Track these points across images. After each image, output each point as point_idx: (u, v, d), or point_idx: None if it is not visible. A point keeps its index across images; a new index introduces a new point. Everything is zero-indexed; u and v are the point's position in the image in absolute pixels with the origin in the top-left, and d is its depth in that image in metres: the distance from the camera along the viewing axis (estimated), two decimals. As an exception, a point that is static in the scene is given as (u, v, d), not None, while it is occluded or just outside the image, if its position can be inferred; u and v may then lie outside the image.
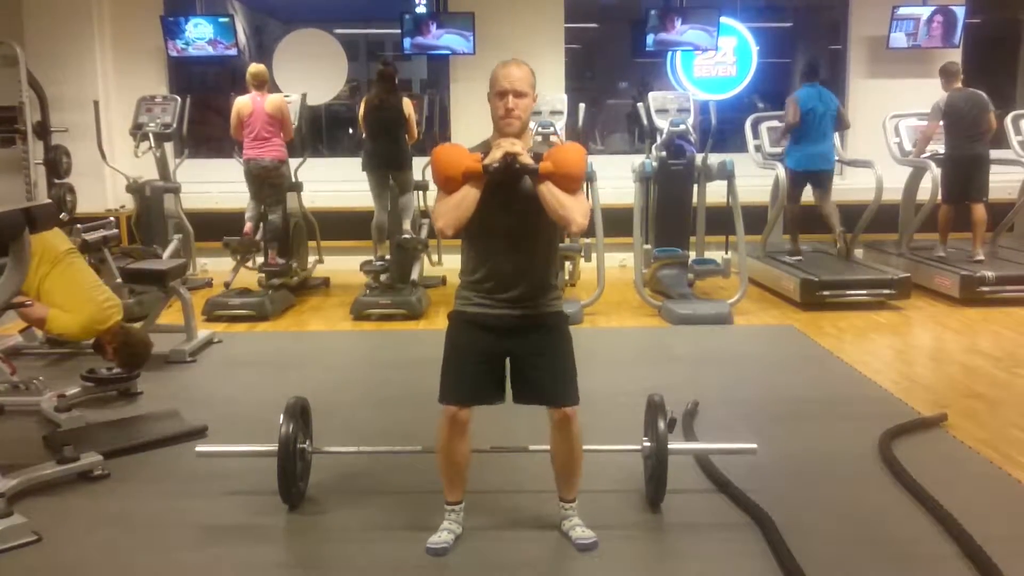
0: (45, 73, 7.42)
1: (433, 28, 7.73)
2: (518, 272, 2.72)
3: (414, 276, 6.55)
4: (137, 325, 5.27)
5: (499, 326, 2.73)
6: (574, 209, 2.65)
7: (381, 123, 6.44)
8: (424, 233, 6.90)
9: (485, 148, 2.73)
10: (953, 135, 6.90)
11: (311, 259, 7.47)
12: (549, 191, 2.64)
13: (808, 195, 7.11)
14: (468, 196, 2.64)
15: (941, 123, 6.87)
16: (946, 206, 7.03)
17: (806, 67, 7.19)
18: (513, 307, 2.73)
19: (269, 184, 6.69)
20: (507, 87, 2.70)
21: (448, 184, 2.68)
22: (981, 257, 6.84)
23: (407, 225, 6.57)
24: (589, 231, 6.38)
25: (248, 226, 6.70)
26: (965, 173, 6.86)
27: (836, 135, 7.23)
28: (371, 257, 6.71)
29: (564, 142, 2.78)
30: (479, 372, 2.73)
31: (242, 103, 6.58)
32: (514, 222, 2.71)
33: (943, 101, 6.85)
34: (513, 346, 2.74)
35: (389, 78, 6.51)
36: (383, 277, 6.59)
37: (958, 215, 7.00)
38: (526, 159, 2.64)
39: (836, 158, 7.18)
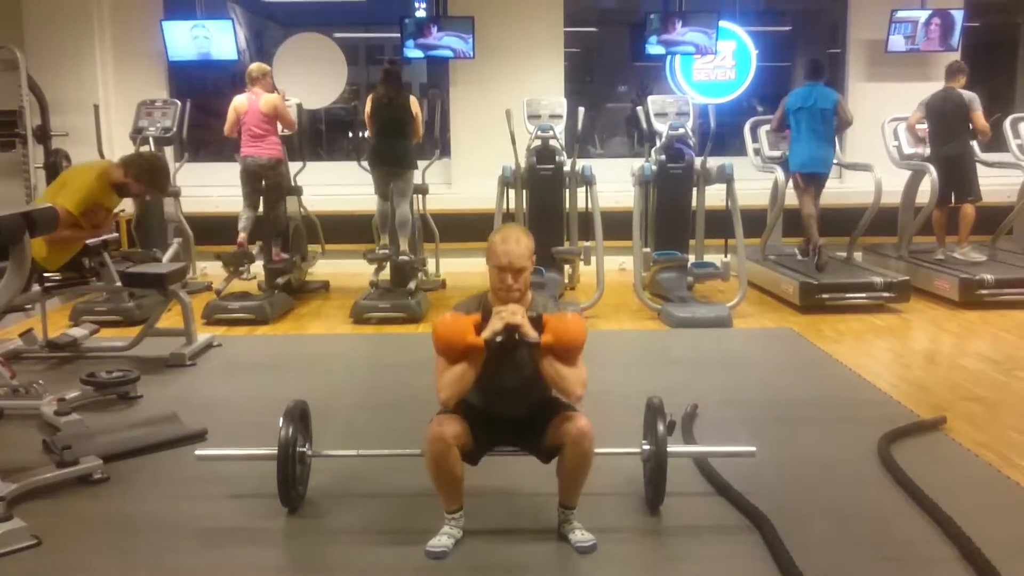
0: (45, 77, 7.43)
1: (435, 31, 7.75)
2: (515, 406, 2.86)
3: (411, 286, 6.55)
4: (137, 329, 5.30)
5: (500, 418, 2.87)
6: (574, 382, 2.70)
7: (388, 120, 6.45)
8: (420, 251, 6.91)
9: (483, 306, 2.77)
10: (931, 135, 7.03)
11: (312, 259, 7.49)
12: (550, 365, 2.68)
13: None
14: (469, 372, 2.69)
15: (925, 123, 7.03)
16: (935, 209, 7.07)
17: (808, 65, 7.18)
18: (511, 423, 2.89)
19: (267, 183, 6.69)
20: (506, 264, 2.68)
21: (449, 355, 2.71)
22: (968, 254, 6.92)
23: (405, 245, 6.57)
24: (589, 234, 6.43)
25: (242, 236, 6.67)
26: (944, 174, 6.89)
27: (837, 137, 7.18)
28: (375, 248, 6.71)
29: (566, 311, 2.80)
30: (474, 426, 2.78)
31: (238, 101, 6.60)
32: (512, 377, 2.78)
33: (926, 100, 6.97)
34: (513, 433, 2.88)
35: (396, 76, 6.52)
36: (386, 266, 6.59)
37: (951, 216, 7.03)
38: (527, 330, 2.66)
39: (835, 161, 7.17)
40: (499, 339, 2.65)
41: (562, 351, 2.68)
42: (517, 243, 2.70)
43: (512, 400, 2.85)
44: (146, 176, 4.63)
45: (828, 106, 6.87)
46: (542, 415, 2.83)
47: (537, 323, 2.68)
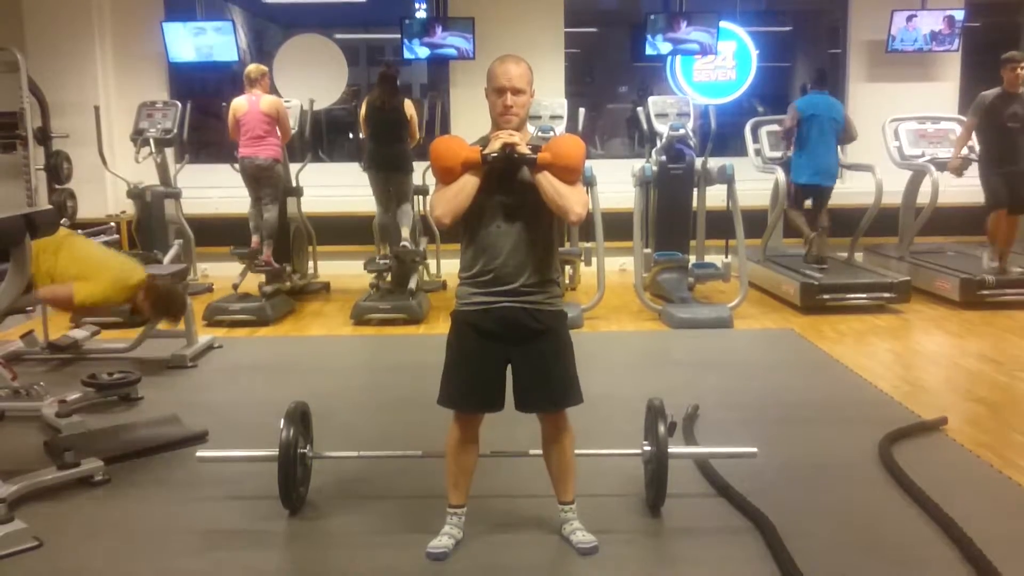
0: (46, 79, 7.42)
1: (439, 31, 7.75)
2: (517, 264, 2.71)
3: (411, 286, 6.54)
4: (137, 331, 5.30)
5: (499, 331, 2.72)
6: (572, 199, 2.66)
7: (383, 124, 6.45)
8: (423, 245, 6.91)
9: (484, 142, 2.74)
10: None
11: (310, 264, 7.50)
12: (548, 181, 2.65)
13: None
14: (466, 186, 2.65)
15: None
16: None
17: (815, 74, 7.17)
18: (513, 300, 2.71)
19: (265, 183, 6.69)
20: (505, 84, 2.70)
21: (446, 175, 2.69)
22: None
23: (406, 233, 6.57)
24: (589, 235, 6.43)
25: (255, 239, 6.66)
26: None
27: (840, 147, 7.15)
28: (375, 258, 6.71)
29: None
30: (481, 380, 2.75)
31: (237, 102, 6.58)
32: (513, 213, 2.71)
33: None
34: (514, 353, 2.75)
35: (391, 79, 6.52)
36: (387, 276, 6.59)
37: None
38: (524, 149, 2.66)
39: (840, 167, 7.15)
40: (495, 154, 2.64)
41: (560, 169, 2.67)
42: (516, 64, 2.74)
43: (513, 258, 2.69)
44: (161, 307, 4.39)
45: (838, 117, 6.87)
46: (547, 356, 2.74)
47: (536, 152, 2.68)
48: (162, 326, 4.94)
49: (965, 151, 6.76)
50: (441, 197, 2.69)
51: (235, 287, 6.60)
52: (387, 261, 6.57)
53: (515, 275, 2.70)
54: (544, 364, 2.75)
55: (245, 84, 6.61)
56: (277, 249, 6.76)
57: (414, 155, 6.70)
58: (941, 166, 6.95)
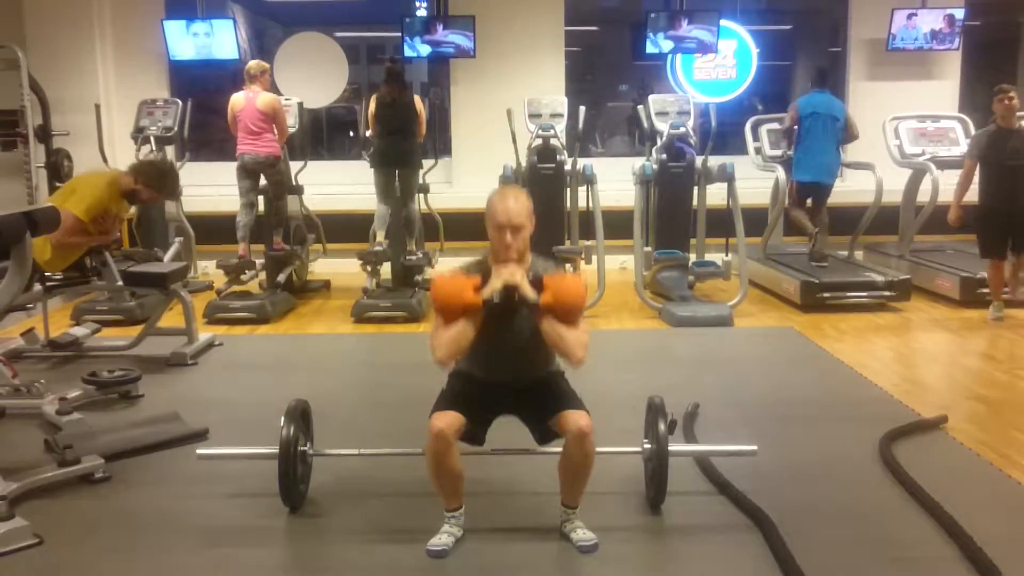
0: (46, 76, 7.43)
1: (440, 28, 7.75)
2: (518, 372, 2.84)
3: (419, 278, 6.57)
4: (138, 328, 5.30)
5: (501, 386, 2.84)
6: (574, 344, 2.69)
7: (394, 120, 6.44)
8: (428, 251, 6.91)
9: (482, 269, 2.75)
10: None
11: (312, 256, 7.49)
12: (550, 326, 2.68)
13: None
14: (467, 330, 2.67)
15: None
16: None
17: (815, 73, 7.15)
18: (513, 382, 2.86)
19: (270, 180, 6.69)
20: (505, 222, 2.68)
21: (447, 315, 2.69)
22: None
23: (412, 245, 6.56)
24: (590, 233, 6.43)
25: (242, 248, 6.62)
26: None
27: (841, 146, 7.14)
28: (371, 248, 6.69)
29: (565, 272, 2.81)
30: (472, 408, 2.76)
31: (235, 99, 6.58)
32: (513, 341, 2.76)
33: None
34: (516, 395, 2.84)
35: (398, 74, 6.51)
36: (382, 272, 6.59)
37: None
38: (527, 290, 2.66)
39: (840, 165, 7.14)
40: (497, 299, 2.64)
41: (561, 311, 2.67)
42: (516, 200, 2.71)
43: (512, 366, 2.82)
44: (156, 182, 4.70)
45: (838, 115, 6.87)
46: (544, 389, 2.83)
47: (537, 285, 2.67)
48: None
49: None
50: (442, 340, 2.69)
51: (218, 293, 6.52)
52: (383, 249, 6.54)
53: (513, 379, 2.85)
54: (548, 385, 2.86)
55: (245, 79, 6.61)
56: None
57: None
58: (941, 164, 6.96)
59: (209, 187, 7.83)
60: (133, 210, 7.38)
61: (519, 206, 2.70)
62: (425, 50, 7.77)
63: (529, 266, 2.75)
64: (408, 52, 7.79)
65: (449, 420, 2.69)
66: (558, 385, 2.88)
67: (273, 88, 6.88)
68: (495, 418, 2.86)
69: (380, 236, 6.64)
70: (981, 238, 6.01)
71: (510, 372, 2.83)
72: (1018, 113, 5.94)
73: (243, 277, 6.64)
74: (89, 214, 4.46)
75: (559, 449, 2.82)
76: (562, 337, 2.67)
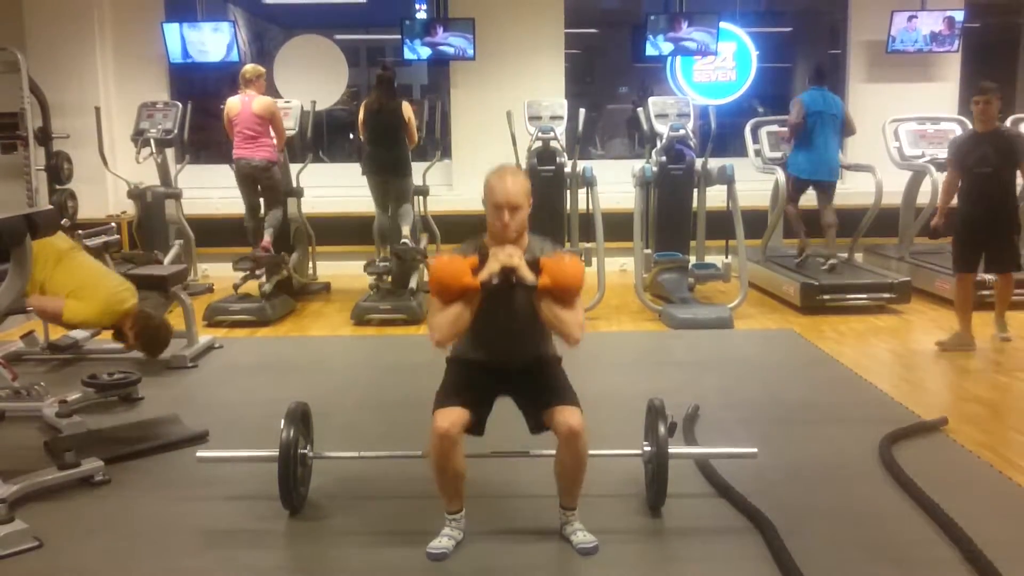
0: (46, 79, 7.43)
1: (440, 31, 7.75)
2: (515, 352, 2.83)
3: (412, 285, 6.54)
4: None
5: (498, 369, 2.83)
6: (571, 324, 2.70)
7: (380, 127, 6.45)
8: (423, 243, 6.90)
9: (479, 248, 2.75)
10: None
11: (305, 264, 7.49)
12: (547, 307, 2.69)
13: (811, 199, 7.08)
14: (465, 312, 2.69)
15: None
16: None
17: (814, 70, 7.14)
18: (511, 362, 2.85)
19: (263, 186, 6.68)
20: (503, 201, 2.69)
21: (445, 296, 2.70)
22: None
23: (406, 231, 6.56)
24: (590, 235, 6.43)
25: (266, 240, 6.62)
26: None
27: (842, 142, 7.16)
28: (375, 259, 6.71)
29: (562, 253, 2.81)
30: (472, 389, 2.78)
31: (231, 103, 6.58)
32: (510, 319, 2.76)
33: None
34: (512, 380, 2.83)
35: (388, 82, 6.51)
36: (387, 278, 6.59)
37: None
38: (524, 272, 2.66)
39: (841, 165, 7.15)
40: (495, 282, 2.64)
41: (559, 293, 2.67)
42: (514, 180, 2.73)
43: (509, 346, 2.82)
44: (146, 343, 4.20)
45: (838, 112, 6.87)
46: (540, 377, 2.82)
47: (534, 266, 2.67)
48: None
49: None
50: (440, 322, 2.70)
51: (235, 287, 6.58)
52: (387, 263, 6.57)
53: (511, 360, 2.84)
54: (544, 372, 2.84)
55: (240, 83, 6.61)
56: (278, 249, 6.76)
57: (413, 156, 6.70)
58: (941, 167, 6.94)
59: (209, 189, 7.83)
60: (133, 213, 7.42)
61: (517, 186, 2.71)
62: (425, 53, 7.77)
63: (527, 246, 2.76)
64: (408, 55, 7.80)
65: (453, 418, 2.68)
66: (554, 375, 2.86)
67: (272, 91, 6.87)
68: (494, 400, 2.85)
69: (384, 251, 6.66)
70: (953, 249, 5.61)
71: (507, 352, 2.83)
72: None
73: (258, 273, 6.58)
74: (72, 322, 4.14)
75: (554, 451, 2.82)
76: (560, 318, 2.68)
